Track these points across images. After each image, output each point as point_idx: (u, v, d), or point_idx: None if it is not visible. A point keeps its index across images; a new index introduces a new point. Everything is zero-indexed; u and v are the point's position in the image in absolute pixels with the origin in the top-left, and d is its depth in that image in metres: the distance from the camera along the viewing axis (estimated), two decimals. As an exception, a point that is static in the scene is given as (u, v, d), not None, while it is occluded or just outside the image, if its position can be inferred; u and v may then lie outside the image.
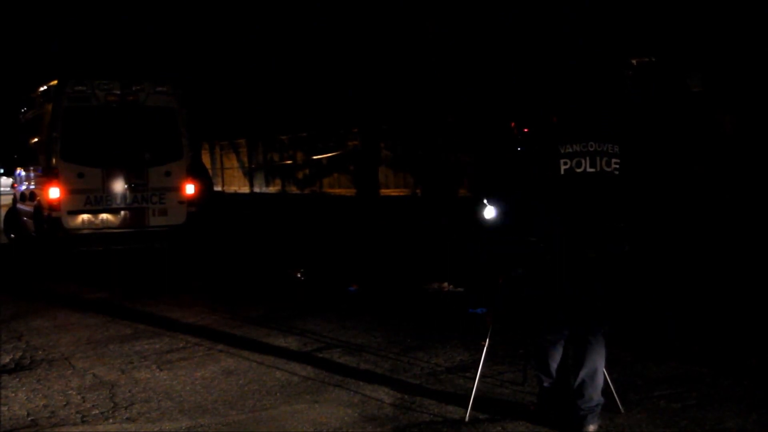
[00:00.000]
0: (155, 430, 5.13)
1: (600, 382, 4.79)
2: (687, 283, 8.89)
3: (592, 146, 4.66)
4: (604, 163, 4.67)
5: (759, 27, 12.59)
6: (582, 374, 4.76)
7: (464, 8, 17.00)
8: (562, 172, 4.63)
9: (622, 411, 5.07)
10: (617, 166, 4.69)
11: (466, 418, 5.07)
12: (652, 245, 10.66)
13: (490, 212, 5.12)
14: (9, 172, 17.23)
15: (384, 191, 21.35)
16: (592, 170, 4.64)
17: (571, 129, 4.73)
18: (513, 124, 5.28)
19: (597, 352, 4.76)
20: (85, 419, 5.38)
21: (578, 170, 4.64)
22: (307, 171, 26.68)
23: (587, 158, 4.65)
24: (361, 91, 20.48)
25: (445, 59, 14.98)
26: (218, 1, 26.68)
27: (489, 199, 5.16)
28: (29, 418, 5.43)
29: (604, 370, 4.87)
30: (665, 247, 10.50)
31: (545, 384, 4.91)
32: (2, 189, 31.17)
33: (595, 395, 4.76)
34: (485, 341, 5.35)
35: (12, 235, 15.56)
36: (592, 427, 4.75)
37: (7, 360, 7.00)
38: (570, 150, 4.65)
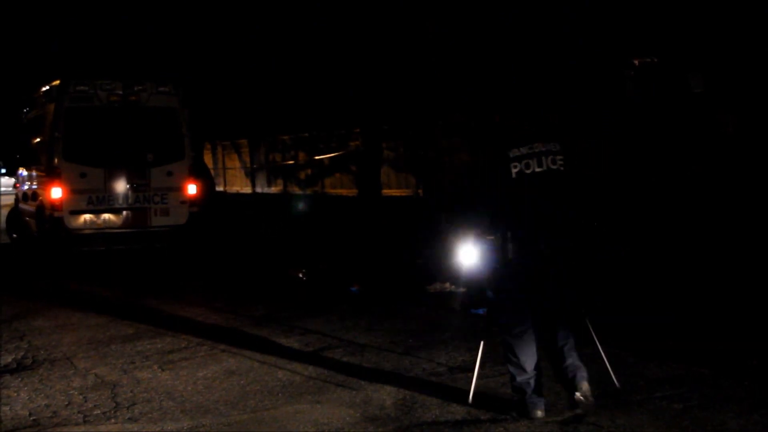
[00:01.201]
0: (157, 430, 5.13)
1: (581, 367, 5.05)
2: (688, 283, 8.89)
3: (537, 147, 4.97)
4: (549, 161, 4.96)
5: (760, 28, 12.59)
6: (560, 345, 5.04)
7: (464, 8, 17.00)
8: (514, 175, 4.93)
9: (618, 386, 5.26)
10: (561, 163, 4.99)
11: (469, 399, 5.26)
12: (652, 245, 10.68)
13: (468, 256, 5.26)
14: (11, 172, 17.24)
15: (386, 191, 21.35)
16: (540, 170, 4.93)
17: (517, 132, 5.06)
18: (498, 117, 5.38)
19: (566, 327, 5.08)
20: (87, 419, 5.39)
21: (527, 171, 4.93)
22: (309, 171, 26.69)
23: (534, 159, 4.95)
24: (363, 92, 20.48)
25: (446, 59, 14.99)
26: (220, 1, 26.68)
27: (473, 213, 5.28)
28: (31, 418, 5.44)
29: (601, 349, 5.11)
30: (667, 247, 10.51)
31: (519, 379, 5.02)
32: (3, 189, 31.24)
33: (578, 360, 5.05)
34: (484, 341, 5.39)
35: (14, 235, 15.58)
36: (585, 384, 4.98)
37: (10, 360, 7.01)
38: (518, 153, 4.95)
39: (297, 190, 27.13)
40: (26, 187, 14.58)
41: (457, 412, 5.23)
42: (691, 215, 11.54)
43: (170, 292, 10.19)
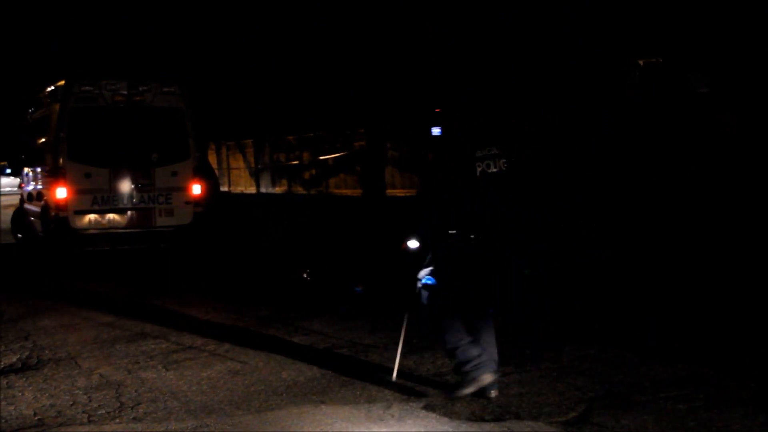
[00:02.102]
0: (161, 430, 5.14)
1: (493, 351, 5.47)
2: (692, 283, 8.87)
3: (492, 150, 5.41)
4: (502, 164, 5.41)
5: (762, 28, 12.57)
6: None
7: (465, 9, 17.00)
8: (477, 174, 5.34)
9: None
10: (506, 167, 5.42)
11: (393, 377, 5.74)
12: (656, 244, 10.66)
13: (414, 243, 5.68)
14: (16, 172, 17.26)
15: (390, 191, 21.37)
16: (492, 170, 5.37)
17: (481, 134, 5.50)
18: (438, 110, 5.68)
19: (488, 333, 5.49)
20: (91, 419, 5.39)
21: (489, 171, 5.36)
22: (313, 171, 26.70)
23: (492, 161, 5.38)
24: (367, 92, 20.49)
25: (447, 59, 15.00)
26: (225, 2, 26.71)
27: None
28: (36, 418, 5.45)
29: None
30: (669, 248, 10.49)
31: (462, 350, 5.37)
32: (6, 189, 31.29)
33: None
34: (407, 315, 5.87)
35: (19, 235, 15.60)
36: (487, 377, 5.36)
37: (14, 359, 7.02)
38: (480, 154, 5.37)
39: (301, 190, 27.15)
40: (31, 188, 14.60)
41: (462, 412, 5.23)
42: (692, 214, 11.53)
43: (174, 292, 10.19)
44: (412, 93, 18.45)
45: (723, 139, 12.65)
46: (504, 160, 5.38)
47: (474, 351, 5.38)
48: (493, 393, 5.40)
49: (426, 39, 14.90)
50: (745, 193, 11.61)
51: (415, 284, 5.71)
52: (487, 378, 5.34)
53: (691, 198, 12.11)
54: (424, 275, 5.63)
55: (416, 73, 16.96)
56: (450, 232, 5.31)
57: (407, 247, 5.67)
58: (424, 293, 5.62)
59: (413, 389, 5.75)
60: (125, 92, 12.99)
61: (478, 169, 5.32)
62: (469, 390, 5.35)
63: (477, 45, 18.16)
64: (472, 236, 5.27)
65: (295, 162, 27.66)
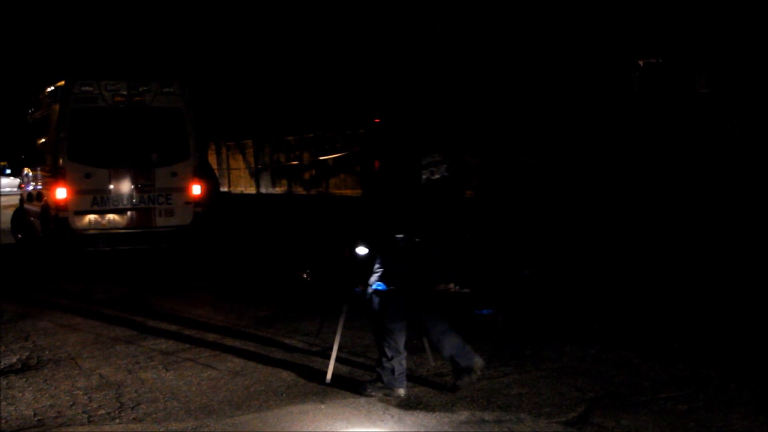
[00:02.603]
0: (161, 430, 5.14)
1: (450, 341, 5.61)
2: (697, 284, 8.87)
3: (435, 156, 5.61)
4: (443, 169, 5.64)
5: (765, 28, 12.56)
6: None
7: (472, 9, 16.99)
8: (423, 181, 5.55)
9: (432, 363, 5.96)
10: (447, 173, 5.65)
11: (327, 378, 5.87)
12: (663, 246, 10.65)
13: (362, 249, 5.82)
14: (16, 173, 17.26)
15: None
16: (436, 177, 5.58)
17: (426, 143, 5.68)
18: (377, 120, 5.82)
19: (446, 335, 5.64)
20: (91, 419, 5.39)
21: (433, 178, 5.57)
22: (313, 171, 26.70)
23: (435, 167, 5.59)
24: (368, 92, 20.48)
25: (452, 60, 14.98)
26: (226, 2, 26.71)
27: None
28: (36, 418, 5.44)
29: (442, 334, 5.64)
30: (675, 248, 10.49)
31: (396, 360, 5.57)
32: (6, 189, 31.29)
33: (446, 351, 5.64)
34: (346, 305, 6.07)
35: (19, 236, 15.60)
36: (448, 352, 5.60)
37: (14, 360, 7.01)
38: (426, 161, 5.57)
39: (301, 191, 27.15)
40: (31, 188, 14.60)
41: (461, 413, 5.23)
42: (695, 215, 11.52)
43: (175, 293, 10.19)
44: (415, 94, 18.45)
45: (728, 140, 12.64)
46: (445, 166, 5.62)
47: (403, 366, 5.64)
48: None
49: (433, 40, 14.88)
50: (750, 194, 11.61)
51: (366, 290, 5.86)
52: (400, 392, 5.60)
53: (692, 198, 12.11)
54: (374, 281, 5.75)
55: (419, 74, 16.95)
56: (397, 236, 5.48)
57: (354, 253, 5.84)
58: (375, 299, 5.71)
59: (413, 389, 5.75)
60: (125, 92, 12.98)
61: (424, 177, 5.54)
62: (376, 394, 5.60)
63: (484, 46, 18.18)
64: (417, 239, 5.48)
65: (295, 162, 27.66)
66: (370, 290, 5.77)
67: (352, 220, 6.66)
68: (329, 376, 5.96)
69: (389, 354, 5.60)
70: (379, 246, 5.69)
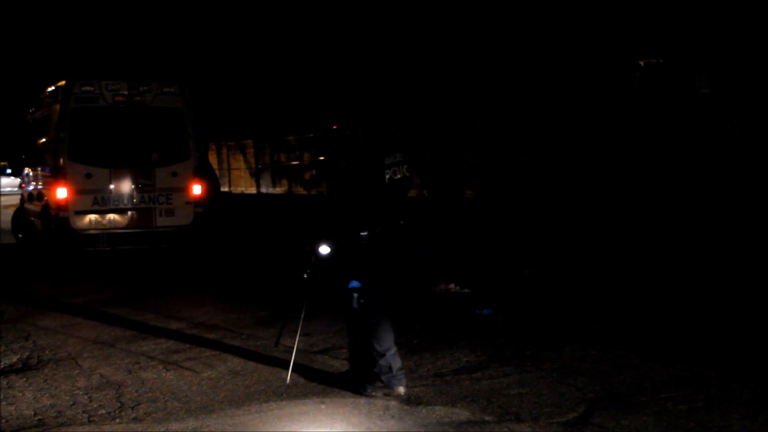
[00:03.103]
0: (162, 430, 5.14)
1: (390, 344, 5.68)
2: (697, 284, 8.87)
3: (397, 157, 5.78)
4: (404, 169, 5.79)
5: (765, 28, 12.55)
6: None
7: (472, 9, 16.98)
8: (386, 180, 5.70)
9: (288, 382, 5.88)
10: (408, 173, 5.83)
11: (287, 381, 5.83)
12: (662, 246, 10.65)
13: (325, 249, 5.94)
14: (17, 172, 17.27)
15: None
16: (398, 177, 5.75)
17: (388, 142, 5.86)
18: (335, 126, 6.00)
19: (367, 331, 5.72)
20: (91, 419, 5.39)
21: (395, 177, 5.73)
22: (314, 171, 26.68)
23: (398, 167, 5.76)
24: (367, 93, 20.48)
25: (452, 61, 14.99)
26: (226, 2, 26.71)
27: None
28: (36, 418, 5.45)
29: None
30: (675, 248, 10.49)
31: (388, 355, 5.59)
32: (6, 189, 31.29)
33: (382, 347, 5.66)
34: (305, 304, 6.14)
35: (19, 235, 15.61)
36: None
37: (15, 359, 7.02)
38: (389, 161, 5.72)
39: (302, 191, 27.14)
40: (32, 188, 14.60)
41: (462, 413, 5.23)
42: (695, 215, 11.52)
43: (175, 293, 10.20)
44: (416, 94, 18.45)
45: (728, 140, 12.63)
46: (406, 166, 5.78)
47: (398, 362, 5.66)
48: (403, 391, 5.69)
49: (433, 40, 14.88)
50: (750, 194, 11.60)
51: (331, 285, 6.06)
52: (400, 391, 5.61)
53: (692, 199, 12.11)
54: (351, 280, 5.83)
55: (420, 74, 16.96)
56: (362, 234, 5.60)
57: (317, 252, 5.97)
58: (355, 296, 5.78)
59: (413, 389, 5.75)
60: (125, 92, 12.98)
61: (387, 176, 5.69)
62: (376, 394, 5.61)
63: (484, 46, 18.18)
64: (384, 237, 5.61)
65: (296, 162, 27.64)
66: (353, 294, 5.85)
67: (316, 219, 6.78)
68: (288, 380, 5.89)
69: (379, 350, 5.62)
70: (343, 244, 5.80)
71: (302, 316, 6.19)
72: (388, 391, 5.61)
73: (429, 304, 8.91)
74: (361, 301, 5.73)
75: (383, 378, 5.62)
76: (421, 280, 9.83)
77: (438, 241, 12.33)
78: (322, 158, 23.71)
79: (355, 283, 5.77)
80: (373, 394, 5.62)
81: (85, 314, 8.89)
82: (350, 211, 5.73)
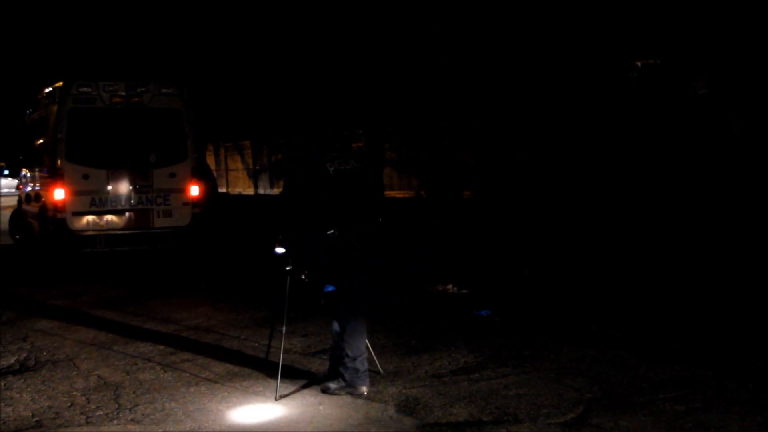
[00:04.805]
0: (159, 431, 5.13)
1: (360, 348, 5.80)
2: (696, 285, 8.87)
3: (335, 153, 5.91)
4: (353, 162, 5.86)
5: (765, 28, 12.56)
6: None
7: (472, 9, 16.98)
8: (332, 172, 5.75)
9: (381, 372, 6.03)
10: (358, 164, 5.87)
11: (276, 397, 5.63)
12: (660, 246, 10.66)
13: (280, 249, 6.08)
14: (14, 173, 17.28)
15: (389, 193, 21.33)
16: (346, 167, 5.80)
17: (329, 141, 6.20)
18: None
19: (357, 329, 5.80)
20: (89, 420, 5.39)
21: (341, 168, 5.77)
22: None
23: (343, 160, 5.83)
24: (366, 93, 20.47)
25: (451, 61, 14.99)
26: (224, 4, 26.70)
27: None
28: (34, 419, 5.44)
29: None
30: (674, 248, 10.49)
31: (359, 360, 5.69)
32: (4, 191, 31.28)
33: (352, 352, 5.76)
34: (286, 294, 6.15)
35: (17, 236, 15.59)
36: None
37: (12, 361, 7.01)
38: (328, 156, 5.84)
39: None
40: (29, 189, 14.59)
41: (460, 414, 5.23)
42: (694, 215, 11.52)
43: (173, 294, 10.18)
44: (414, 94, 18.44)
45: (726, 140, 12.63)
46: (353, 159, 5.86)
47: (365, 365, 5.75)
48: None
49: (432, 40, 14.86)
50: (749, 195, 11.61)
51: (287, 282, 6.16)
52: (363, 390, 5.69)
53: (693, 199, 12.11)
54: (325, 283, 5.90)
55: (418, 75, 16.94)
56: (328, 233, 5.64)
57: (275, 252, 6.09)
58: (330, 301, 5.85)
59: (411, 390, 5.75)
60: (123, 93, 12.97)
61: (331, 168, 5.74)
62: (340, 393, 5.68)
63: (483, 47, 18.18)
64: (358, 233, 5.64)
65: (294, 163, 27.62)
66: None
67: (273, 221, 6.81)
68: (277, 395, 5.69)
69: (351, 354, 5.69)
70: (298, 244, 5.92)
71: (284, 322, 6.18)
72: (351, 390, 5.66)
73: (426, 304, 8.91)
74: (339, 307, 5.79)
75: (347, 377, 5.69)
76: (413, 279, 9.83)
77: (432, 239, 12.34)
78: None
79: (330, 288, 5.82)
80: (337, 392, 5.67)
81: (83, 315, 8.88)
82: (308, 208, 5.80)
